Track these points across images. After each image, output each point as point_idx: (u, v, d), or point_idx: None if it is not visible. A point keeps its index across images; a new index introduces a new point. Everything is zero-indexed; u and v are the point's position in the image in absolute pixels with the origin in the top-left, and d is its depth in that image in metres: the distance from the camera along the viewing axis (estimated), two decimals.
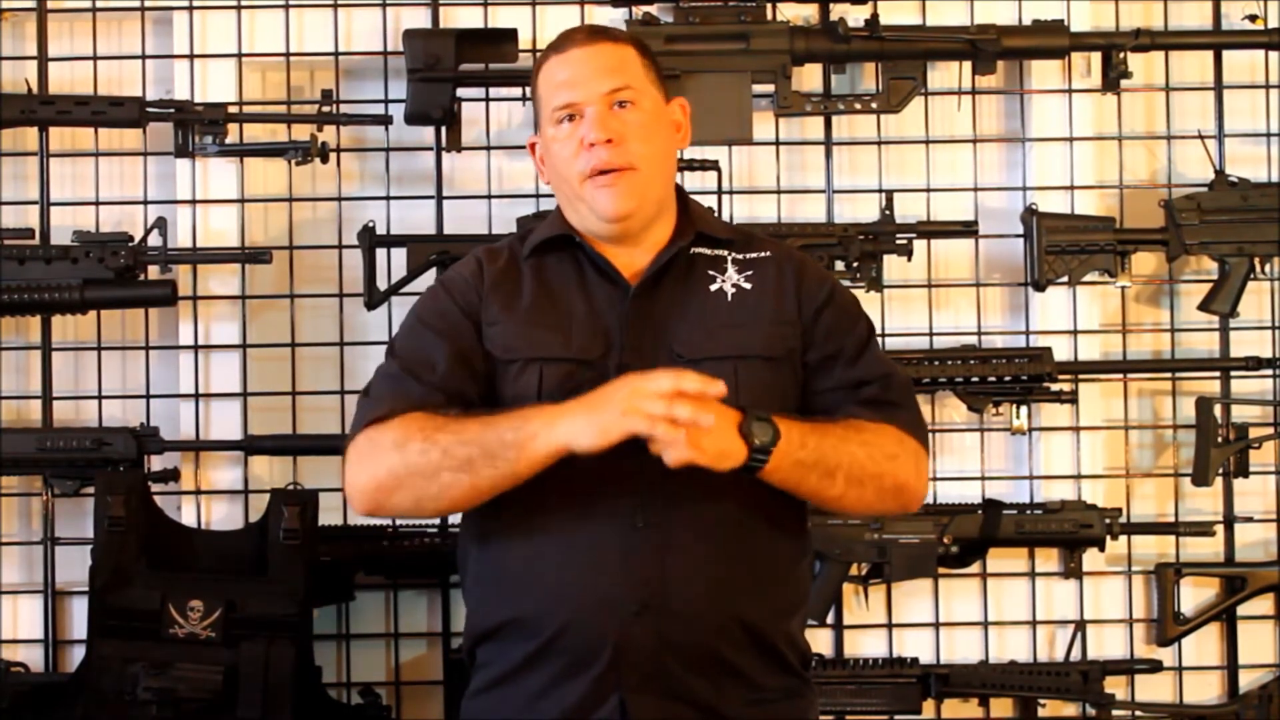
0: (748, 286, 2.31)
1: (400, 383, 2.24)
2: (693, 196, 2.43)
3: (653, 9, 3.14)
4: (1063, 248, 3.15)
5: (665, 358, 2.22)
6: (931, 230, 3.18)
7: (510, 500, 2.19)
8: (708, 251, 2.33)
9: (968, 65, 3.20)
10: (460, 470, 2.14)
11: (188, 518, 3.14)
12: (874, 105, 3.19)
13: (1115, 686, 3.15)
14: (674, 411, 2.05)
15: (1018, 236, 3.24)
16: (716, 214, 2.77)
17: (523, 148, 3.18)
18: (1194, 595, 3.24)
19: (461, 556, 2.32)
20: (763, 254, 2.35)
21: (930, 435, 3.18)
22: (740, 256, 2.34)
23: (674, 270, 2.30)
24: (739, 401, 2.20)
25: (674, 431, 2.05)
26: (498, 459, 2.12)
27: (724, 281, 2.31)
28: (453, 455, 2.13)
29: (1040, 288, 3.18)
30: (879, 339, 3.09)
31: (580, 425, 2.08)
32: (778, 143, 3.26)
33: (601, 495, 2.17)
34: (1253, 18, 3.23)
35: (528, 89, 3.19)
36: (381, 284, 3.12)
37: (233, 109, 3.15)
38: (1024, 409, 3.16)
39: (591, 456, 2.11)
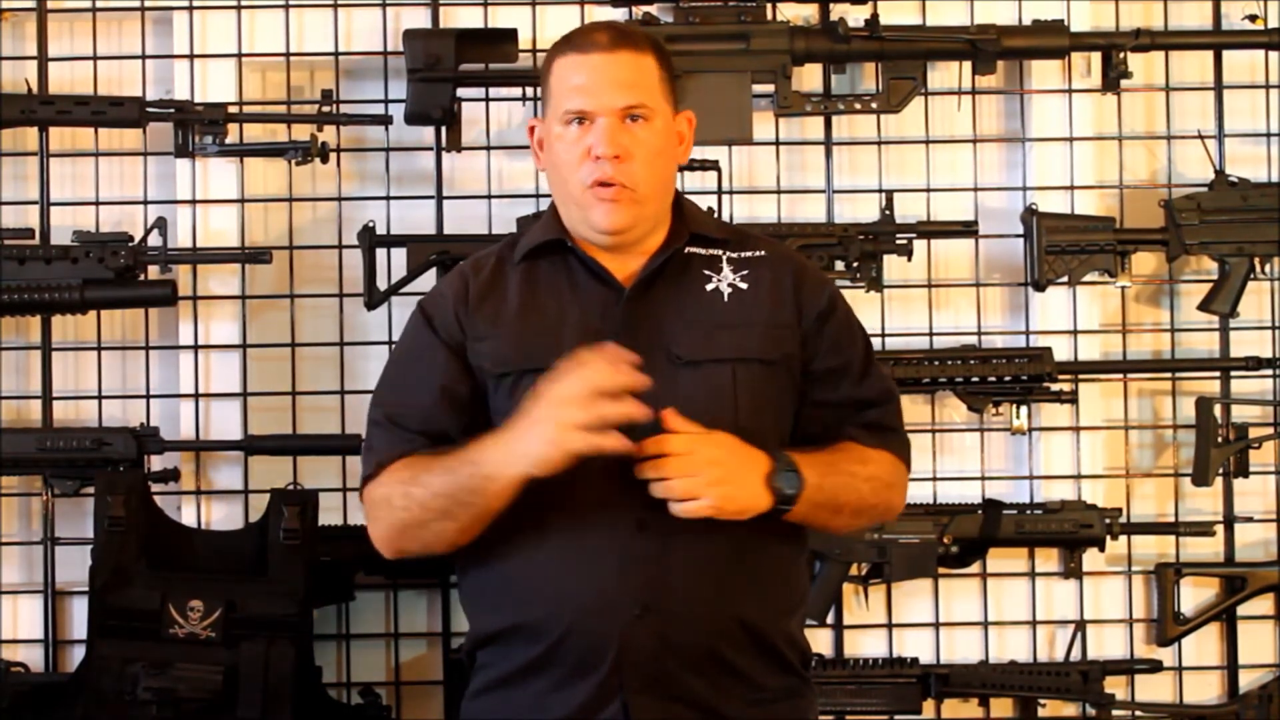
0: (744, 286, 2.30)
1: (385, 433, 2.28)
2: (689, 197, 2.42)
3: (653, 9, 3.14)
4: (1063, 248, 3.15)
5: (662, 360, 2.22)
6: (931, 230, 3.18)
7: (509, 506, 2.20)
8: (702, 251, 2.32)
9: (968, 65, 3.20)
10: (443, 519, 2.19)
11: (188, 518, 3.13)
12: (874, 105, 3.19)
13: (1115, 686, 3.15)
14: (601, 413, 2.06)
15: (1018, 236, 3.24)
16: (716, 214, 2.77)
17: (523, 148, 3.20)
18: (1194, 595, 3.24)
19: (459, 561, 2.31)
20: (758, 253, 2.33)
21: (930, 435, 3.23)
22: (735, 255, 2.32)
23: (668, 271, 2.29)
24: (737, 405, 2.21)
25: (619, 441, 2.07)
26: (468, 504, 2.17)
27: (720, 281, 2.30)
28: (430, 508, 2.19)
29: (1040, 288, 3.18)
30: (879, 339, 3.15)
31: (524, 460, 2.11)
32: (778, 143, 3.26)
33: (600, 499, 2.17)
34: (1253, 18, 3.23)
35: (528, 89, 3.20)
36: (381, 284, 3.12)
37: (233, 109, 3.15)
38: (1024, 409, 3.16)
39: (587, 464, 2.12)
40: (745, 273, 2.31)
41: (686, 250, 2.31)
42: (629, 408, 2.08)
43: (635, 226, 2.26)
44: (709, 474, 2.11)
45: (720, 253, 2.32)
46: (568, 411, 2.07)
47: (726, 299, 2.29)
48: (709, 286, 2.30)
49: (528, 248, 2.32)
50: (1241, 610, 3.23)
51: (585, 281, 2.28)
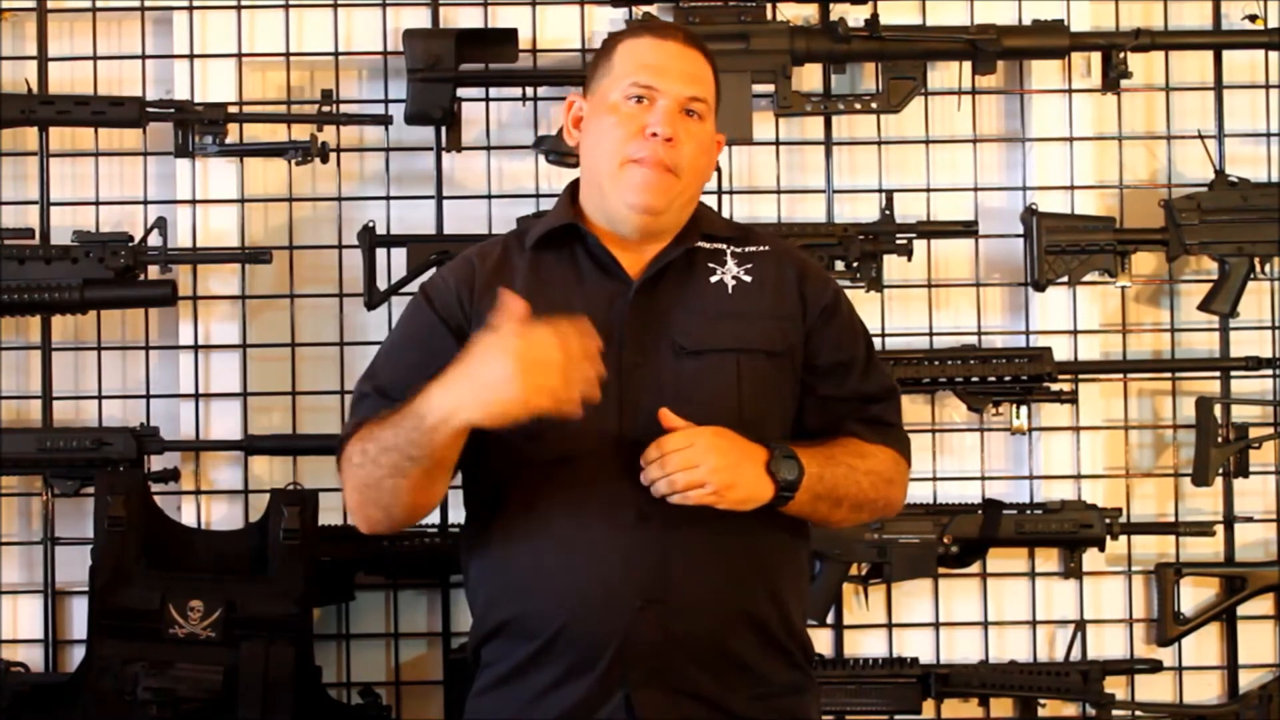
0: (748, 279, 2.31)
1: (369, 405, 2.26)
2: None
3: (653, 9, 3.14)
4: (1063, 248, 3.15)
5: (666, 351, 2.23)
6: (931, 230, 3.18)
7: (510, 499, 2.22)
8: (707, 245, 2.33)
9: (968, 65, 3.20)
10: (395, 474, 2.15)
11: (188, 518, 3.14)
12: (874, 105, 3.19)
13: (1115, 686, 3.15)
14: (573, 385, 2.01)
15: (1018, 236, 3.24)
16: (718, 212, 2.76)
17: (523, 147, 3.21)
18: (1194, 595, 3.24)
19: (463, 557, 2.32)
20: (761, 248, 2.35)
21: (930, 435, 3.23)
22: (739, 250, 2.34)
23: (674, 265, 2.29)
24: (741, 395, 2.22)
25: (576, 409, 2.02)
26: (414, 455, 2.12)
27: (724, 274, 2.31)
28: (381, 463, 2.15)
29: (1040, 288, 3.18)
30: (879, 339, 3.15)
31: (478, 410, 2.04)
32: (778, 143, 3.26)
33: (602, 491, 2.17)
34: (1253, 18, 3.23)
35: (528, 89, 3.20)
36: (381, 284, 3.12)
37: (233, 109, 3.15)
38: (1024, 409, 3.16)
39: (589, 456, 2.16)
40: (749, 266, 2.32)
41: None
42: (592, 387, 2.03)
43: (665, 213, 2.26)
44: (710, 461, 2.11)
45: (725, 246, 2.33)
46: (546, 376, 2.01)
47: (730, 290, 2.29)
48: (713, 279, 2.30)
49: (541, 233, 2.32)
50: (1241, 610, 3.24)
51: (592, 274, 2.28)
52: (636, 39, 2.30)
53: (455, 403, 2.06)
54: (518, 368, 2.01)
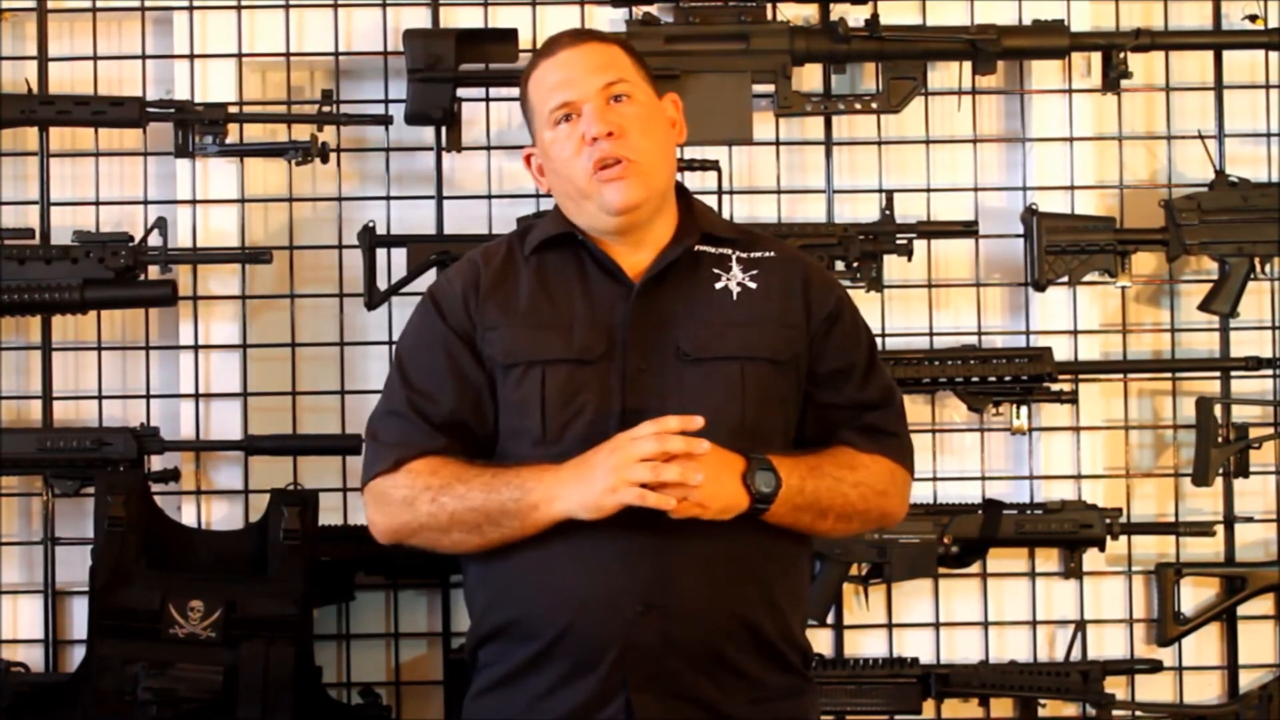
0: (753, 286, 2.30)
1: (402, 426, 2.27)
2: (696, 196, 2.42)
3: (653, 9, 3.14)
4: (1063, 248, 3.15)
5: (670, 356, 2.23)
6: (931, 230, 3.18)
7: None
8: (711, 250, 2.33)
9: (968, 65, 3.20)
10: (470, 532, 2.21)
11: (188, 518, 3.14)
12: (874, 105, 3.19)
13: (1115, 686, 3.15)
14: (662, 475, 2.09)
15: (1018, 236, 3.24)
16: (718, 213, 2.77)
17: (523, 147, 3.18)
18: (1194, 595, 3.24)
19: (463, 558, 2.31)
20: (768, 254, 2.34)
21: (930, 435, 3.23)
22: (745, 255, 2.33)
23: (678, 268, 2.29)
24: (744, 403, 2.22)
25: (667, 501, 2.09)
26: (502, 525, 2.19)
27: (729, 280, 2.31)
28: (460, 519, 2.20)
29: (1040, 288, 3.18)
30: (879, 339, 3.15)
31: (575, 500, 2.14)
32: (778, 143, 3.26)
33: None
34: (1253, 18, 3.23)
35: None
36: (381, 284, 3.12)
37: (233, 109, 3.15)
38: (1024, 409, 3.16)
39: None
40: (754, 273, 2.32)
41: (696, 248, 2.31)
42: (689, 474, 2.10)
43: (647, 201, 2.26)
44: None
45: (730, 252, 2.33)
46: (636, 470, 2.09)
47: (736, 297, 2.29)
48: (718, 285, 2.30)
49: (539, 240, 2.32)
50: (1241, 610, 3.23)
51: (595, 276, 2.29)
52: (535, 70, 2.32)
53: (561, 492, 2.14)
54: (613, 462, 2.11)
